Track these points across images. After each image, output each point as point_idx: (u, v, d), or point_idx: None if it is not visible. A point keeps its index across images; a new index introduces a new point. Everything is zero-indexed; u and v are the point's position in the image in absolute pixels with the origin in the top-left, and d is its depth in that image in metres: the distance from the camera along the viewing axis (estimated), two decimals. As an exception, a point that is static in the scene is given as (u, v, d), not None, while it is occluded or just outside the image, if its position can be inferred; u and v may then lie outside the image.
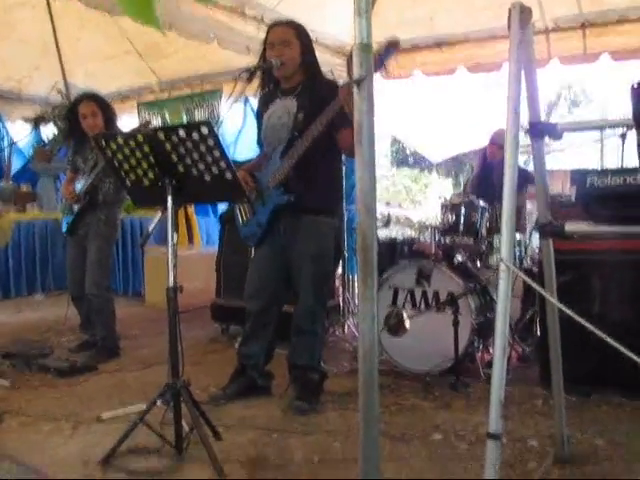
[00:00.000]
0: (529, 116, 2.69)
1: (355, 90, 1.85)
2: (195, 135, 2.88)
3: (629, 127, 2.50)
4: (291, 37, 3.84)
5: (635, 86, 2.31)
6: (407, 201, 17.85)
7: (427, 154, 11.45)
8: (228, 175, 2.96)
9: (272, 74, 3.90)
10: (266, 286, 3.98)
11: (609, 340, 2.01)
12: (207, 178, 3.00)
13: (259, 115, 4.15)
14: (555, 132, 2.56)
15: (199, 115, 8.69)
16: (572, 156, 9.71)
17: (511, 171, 2.34)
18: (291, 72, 3.87)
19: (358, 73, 1.84)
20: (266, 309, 3.99)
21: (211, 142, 2.89)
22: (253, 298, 4.00)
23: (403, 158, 21.81)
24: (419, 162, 20.16)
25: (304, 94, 3.87)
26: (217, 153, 2.92)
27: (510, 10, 2.46)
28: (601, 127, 2.65)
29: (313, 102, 3.76)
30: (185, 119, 8.86)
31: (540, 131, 2.62)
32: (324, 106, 3.61)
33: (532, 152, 2.78)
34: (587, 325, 2.09)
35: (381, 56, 3.32)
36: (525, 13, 2.48)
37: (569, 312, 2.18)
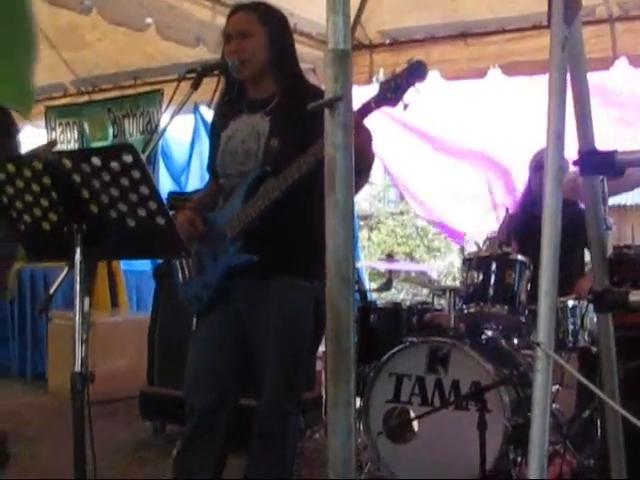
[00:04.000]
0: (578, 143, 2.72)
1: (327, 114, 1.86)
2: (114, 164, 2.88)
3: None
4: (253, 25, 3.81)
5: None
6: (420, 249, 17.85)
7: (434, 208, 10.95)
8: (160, 220, 2.95)
9: (234, 78, 3.88)
10: (215, 373, 3.93)
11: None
12: (131, 224, 2.98)
13: (214, 133, 4.12)
14: (612, 166, 2.58)
15: (130, 126, 8.76)
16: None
17: (552, 219, 2.35)
18: (256, 74, 3.83)
19: (332, 90, 1.86)
20: (215, 405, 3.94)
21: (137, 174, 2.88)
22: (197, 390, 3.96)
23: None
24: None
25: (280, 110, 3.82)
26: (145, 190, 2.90)
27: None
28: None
29: (292, 123, 3.69)
30: (111, 131, 8.92)
31: (593, 164, 2.64)
32: (308, 128, 3.42)
33: (582, 192, 2.81)
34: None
35: (401, 82, 3.35)
36: (572, 3, 2.52)
37: (634, 420, 2.18)
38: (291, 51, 3.95)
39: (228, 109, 4.02)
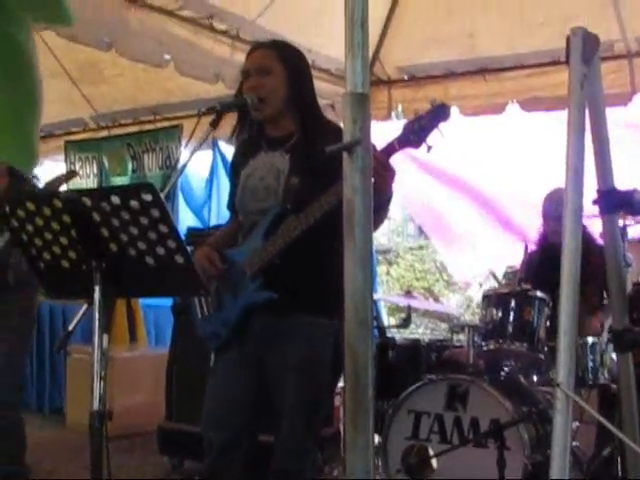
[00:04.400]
0: (597, 181, 2.72)
1: (345, 157, 1.87)
2: (134, 203, 2.89)
3: None
4: (272, 62, 3.82)
5: None
6: (440, 283, 17.75)
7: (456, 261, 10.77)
8: (179, 259, 2.96)
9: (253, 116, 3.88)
10: (233, 409, 3.92)
11: None
12: (150, 262, 2.99)
13: (234, 170, 4.11)
14: (631, 204, 2.58)
15: (150, 162, 8.79)
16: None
17: (572, 257, 2.35)
18: (275, 112, 3.82)
19: (350, 134, 1.86)
20: (233, 442, 3.93)
21: (156, 213, 2.89)
22: (215, 426, 3.94)
23: (436, 223, 21.64)
24: (458, 228, 20.02)
25: (300, 147, 3.81)
26: (164, 228, 2.91)
27: (569, 38, 2.50)
28: None
29: (312, 161, 3.66)
30: (130, 166, 8.95)
31: (612, 203, 2.64)
32: (328, 166, 3.45)
33: (603, 230, 2.80)
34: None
35: (424, 124, 3.36)
36: (590, 42, 2.52)
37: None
38: (310, 88, 3.95)
39: (247, 147, 4.02)
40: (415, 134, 3.39)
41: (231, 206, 4.13)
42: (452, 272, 11.68)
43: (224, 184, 8.42)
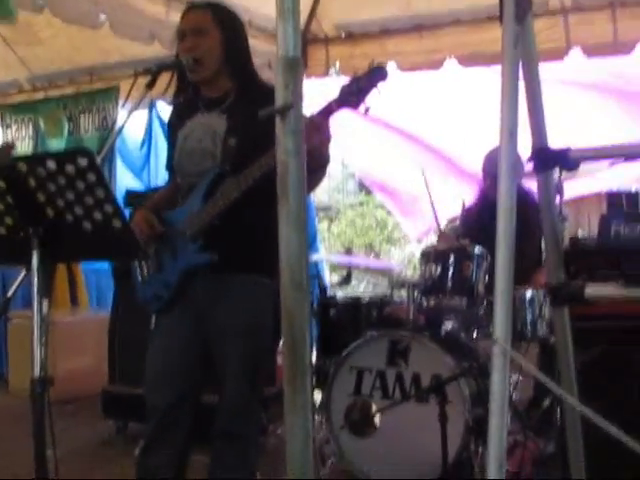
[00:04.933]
0: (532, 140, 2.74)
1: (278, 121, 1.87)
2: (70, 168, 2.87)
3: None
4: (207, 23, 3.80)
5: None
6: (381, 240, 17.84)
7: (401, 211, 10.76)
8: (117, 223, 2.94)
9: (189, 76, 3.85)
10: (175, 372, 3.91)
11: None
12: (87, 227, 2.97)
13: (171, 132, 4.09)
14: (568, 161, 2.61)
15: (86, 123, 8.69)
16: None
17: (507, 216, 2.36)
18: (211, 74, 3.81)
19: (282, 98, 1.86)
20: (176, 404, 3.92)
21: (92, 177, 2.87)
22: (157, 389, 3.93)
23: (376, 179, 21.59)
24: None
25: (236, 108, 3.81)
26: (101, 193, 2.89)
27: (501, -3, 2.50)
28: (633, 154, 2.69)
29: (248, 122, 3.64)
30: (67, 128, 8.85)
31: (547, 160, 2.67)
32: (264, 127, 3.47)
33: (537, 187, 2.83)
34: (618, 434, 2.10)
35: (362, 85, 3.37)
36: (523, 1, 2.53)
37: (591, 415, 2.20)
38: (245, 49, 3.94)
39: (184, 108, 4.01)
40: (353, 95, 3.41)
41: (169, 167, 4.12)
42: (406, 231, 11.64)
43: (162, 145, 8.38)
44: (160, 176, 8.19)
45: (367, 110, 3.42)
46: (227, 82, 3.88)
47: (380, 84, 3.39)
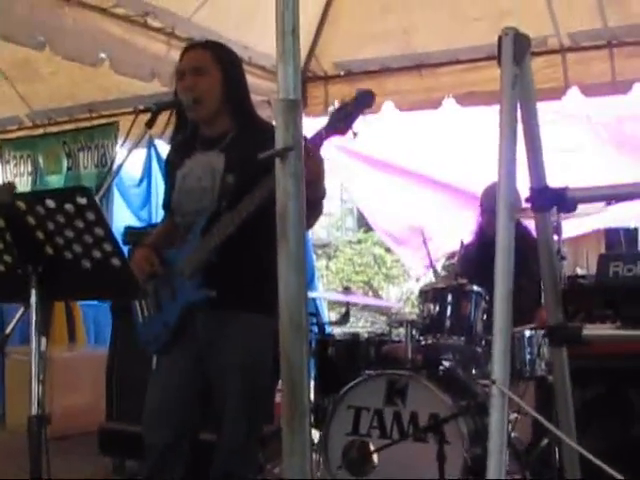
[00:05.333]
0: (530, 179, 2.75)
1: (278, 163, 1.88)
2: (69, 206, 2.87)
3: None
4: (207, 62, 3.83)
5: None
6: (379, 277, 17.79)
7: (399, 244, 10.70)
8: (115, 261, 2.95)
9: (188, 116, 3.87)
10: (173, 409, 3.90)
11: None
12: (86, 265, 2.97)
13: (169, 170, 4.10)
14: (566, 201, 2.61)
15: (85, 159, 8.72)
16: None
17: (505, 253, 2.37)
18: (210, 113, 3.84)
19: (283, 140, 1.87)
20: (174, 443, 3.91)
21: (91, 216, 2.87)
22: (155, 427, 3.92)
23: (374, 217, 21.46)
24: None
25: (235, 146, 3.82)
26: (100, 231, 2.89)
27: (500, 38, 2.52)
28: (632, 195, 2.70)
29: (246, 159, 3.60)
30: (65, 164, 8.87)
31: (544, 200, 2.67)
32: (263, 164, 3.44)
33: (535, 227, 2.84)
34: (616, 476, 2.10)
35: (350, 110, 3.41)
36: (522, 42, 2.55)
37: (589, 456, 2.20)
38: (244, 88, 3.97)
39: (182, 147, 4.02)
40: (341, 121, 3.45)
41: (166, 205, 4.13)
42: (409, 267, 11.62)
43: (161, 183, 8.39)
44: (160, 214, 8.21)
45: (355, 135, 3.45)
46: (226, 121, 3.89)
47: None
